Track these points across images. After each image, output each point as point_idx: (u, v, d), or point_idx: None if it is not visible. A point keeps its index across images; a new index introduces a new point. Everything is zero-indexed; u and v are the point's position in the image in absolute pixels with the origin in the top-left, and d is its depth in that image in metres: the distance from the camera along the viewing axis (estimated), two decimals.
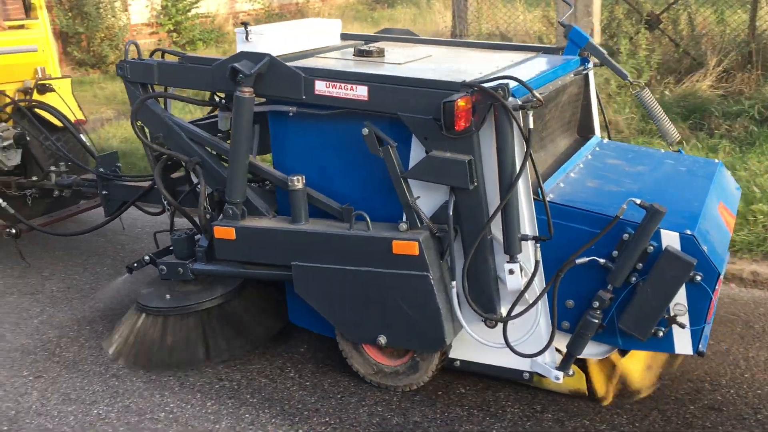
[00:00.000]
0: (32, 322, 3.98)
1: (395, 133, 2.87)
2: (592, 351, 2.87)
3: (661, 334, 2.69)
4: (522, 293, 2.76)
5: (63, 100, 4.79)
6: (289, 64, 3.10)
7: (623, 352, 2.99)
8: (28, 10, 5.36)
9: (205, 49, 13.85)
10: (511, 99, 2.62)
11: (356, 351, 3.25)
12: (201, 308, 3.45)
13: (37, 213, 5.01)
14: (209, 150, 3.43)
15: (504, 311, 2.88)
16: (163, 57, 3.65)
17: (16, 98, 4.92)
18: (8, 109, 4.89)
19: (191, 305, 3.44)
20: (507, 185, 2.65)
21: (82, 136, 4.93)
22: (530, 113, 2.61)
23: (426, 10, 13.87)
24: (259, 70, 3.04)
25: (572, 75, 3.37)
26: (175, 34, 13.84)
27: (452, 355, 3.12)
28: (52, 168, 4.76)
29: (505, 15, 7.89)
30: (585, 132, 3.71)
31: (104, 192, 4.11)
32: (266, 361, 3.49)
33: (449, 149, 2.73)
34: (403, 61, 3.30)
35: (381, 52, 3.41)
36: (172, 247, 3.58)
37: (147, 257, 3.73)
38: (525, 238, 2.73)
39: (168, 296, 3.50)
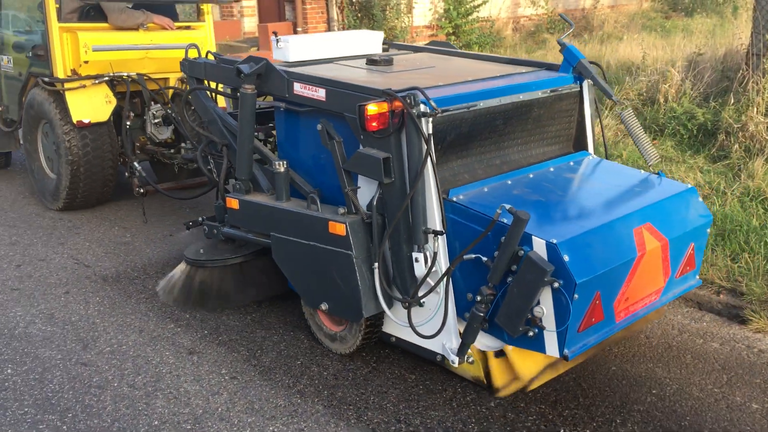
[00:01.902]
0: (245, 319, 4.13)
1: (350, 131, 3.26)
2: (488, 343, 3.11)
3: (531, 334, 2.89)
4: (423, 279, 3.08)
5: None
6: (295, 69, 3.68)
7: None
8: (199, 14, 6.46)
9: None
10: (422, 107, 2.96)
11: (312, 314, 3.78)
12: (223, 264, 4.11)
13: (181, 179, 6.14)
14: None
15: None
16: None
17: (176, 86, 5.96)
18: (169, 93, 5.88)
19: (216, 260, 4.10)
20: (413, 182, 3.01)
21: None
22: (429, 120, 2.97)
23: (728, 22, 12.32)
24: (257, 71, 3.64)
25: (548, 92, 3.58)
26: (453, 37, 13.98)
27: (390, 331, 3.49)
28: (182, 144, 5.54)
29: None
30: (580, 147, 3.86)
31: (208, 167, 4.48)
32: (450, 411, 3.20)
33: (375, 147, 3.12)
34: (396, 70, 3.79)
35: (389, 62, 3.89)
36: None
37: (200, 218, 4.40)
38: (427, 231, 3.05)
39: (204, 251, 4.19)
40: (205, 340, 3.87)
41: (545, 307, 2.81)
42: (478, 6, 13.90)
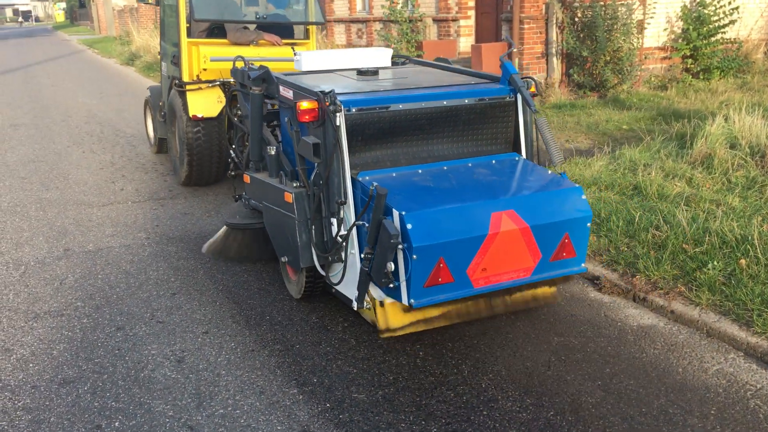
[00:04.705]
0: (376, 394, 3.58)
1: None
2: (377, 294, 3.69)
3: (392, 285, 3.53)
4: (333, 238, 3.88)
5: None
6: (295, 76, 4.55)
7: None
8: (306, 33, 7.65)
9: (719, 80, 12.07)
10: (341, 104, 3.72)
11: (282, 265, 4.74)
12: (245, 227, 4.93)
13: None
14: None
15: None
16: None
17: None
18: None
19: (239, 225, 4.94)
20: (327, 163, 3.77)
21: None
22: (340, 115, 3.70)
23: None
24: (261, 77, 4.52)
25: (475, 100, 4.12)
26: (690, 61, 12.40)
27: (338, 286, 4.01)
28: None
29: None
30: (516, 149, 4.35)
31: (241, 150, 5.42)
32: None
33: (313, 135, 3.84)
34: (373, 80, 4.47)
35: (375, 73, 4.60)
36: None
37: (244, 192, 5.07)
38: (337, 201, 3.77)
39: (239, 217, 4.96)
40: (324, 417, 3.37)
41: (396, 265, 3.46)
42: (724, 26, 12.19)
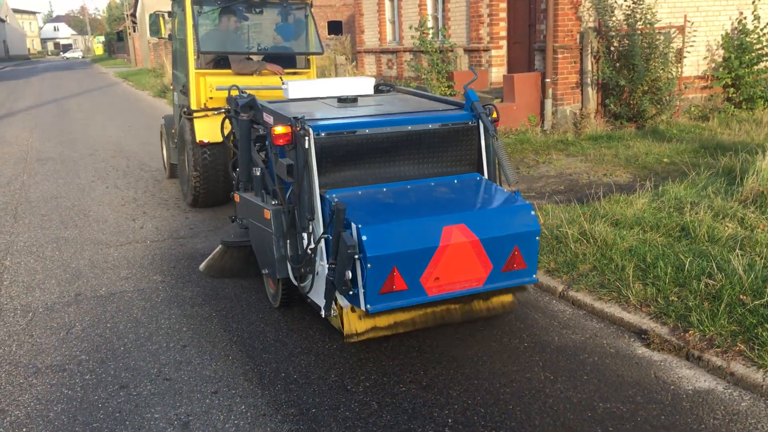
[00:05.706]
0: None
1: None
2: (344, 303, 3.98)
3: (351, 293, 3.77)
4: (305, 251, 4.16)
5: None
6: (279, 103, 5.02)
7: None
8: (308, 63, 8.09)
9: (764, 109, 11.54)
10: (310, 129, 4.01)
11: (265, 278, 5.12)
12: (236, 245, 5.23)
13: None
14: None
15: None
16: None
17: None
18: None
19: (232, 242, 5.23)
20: (299, 182, 4.08)
21: None
22: (308, 138, 4.00)
23: None
24: (248, 104, 4.90)
25: (438, 125, 4.40)
26: (731, 90, 11.91)
27: (309, 295, 4.35)
28: None
29: None
30: (479, 170, 4.59)
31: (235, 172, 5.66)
32: None
33: (288, 156, 4.17)
34: (350, 107, 4.81)
35: (354, 101, 4.93)
36: None
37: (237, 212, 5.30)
38: (306, 217, 4.06)
39: (234, 236, 5.24)
40: None
41: (354, 273, 3.69)
42: None
